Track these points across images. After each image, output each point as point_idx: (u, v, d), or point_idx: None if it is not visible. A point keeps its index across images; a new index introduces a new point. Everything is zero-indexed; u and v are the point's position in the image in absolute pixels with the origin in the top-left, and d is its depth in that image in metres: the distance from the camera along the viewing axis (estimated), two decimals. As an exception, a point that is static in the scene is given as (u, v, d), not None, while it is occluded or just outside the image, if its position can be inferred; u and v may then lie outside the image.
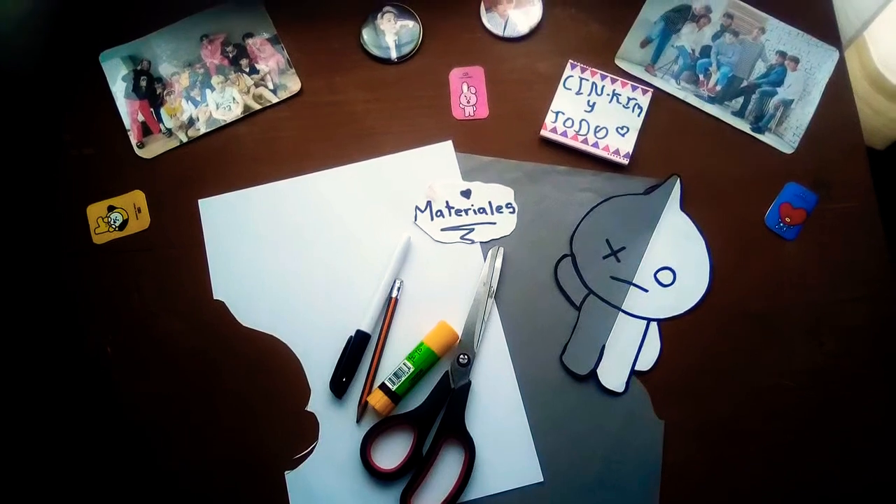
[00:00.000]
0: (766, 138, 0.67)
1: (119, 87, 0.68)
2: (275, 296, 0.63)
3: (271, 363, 0.62)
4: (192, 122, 0.67)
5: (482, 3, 0.69)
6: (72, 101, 0.68)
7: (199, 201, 0.65)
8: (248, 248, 0.64)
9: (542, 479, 0.59)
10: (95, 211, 0.65)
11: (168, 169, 0.66)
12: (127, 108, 0.68)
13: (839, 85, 0.68)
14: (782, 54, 0.68)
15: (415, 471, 0.59)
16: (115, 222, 0.65)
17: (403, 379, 0.59)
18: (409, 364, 0.60)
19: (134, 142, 0.67)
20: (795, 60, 0.68)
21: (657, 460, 0.60)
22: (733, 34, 0.69)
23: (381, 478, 0.59)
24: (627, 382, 0.61)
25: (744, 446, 0.61)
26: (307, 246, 0.64)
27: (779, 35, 0.69)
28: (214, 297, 0.63)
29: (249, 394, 0.61)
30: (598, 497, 0.59)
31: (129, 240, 0.65)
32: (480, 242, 0.64)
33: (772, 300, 0.63)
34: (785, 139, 0.67)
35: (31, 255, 0.65)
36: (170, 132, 0.67)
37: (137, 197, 0.65)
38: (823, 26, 0.69)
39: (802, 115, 0.67)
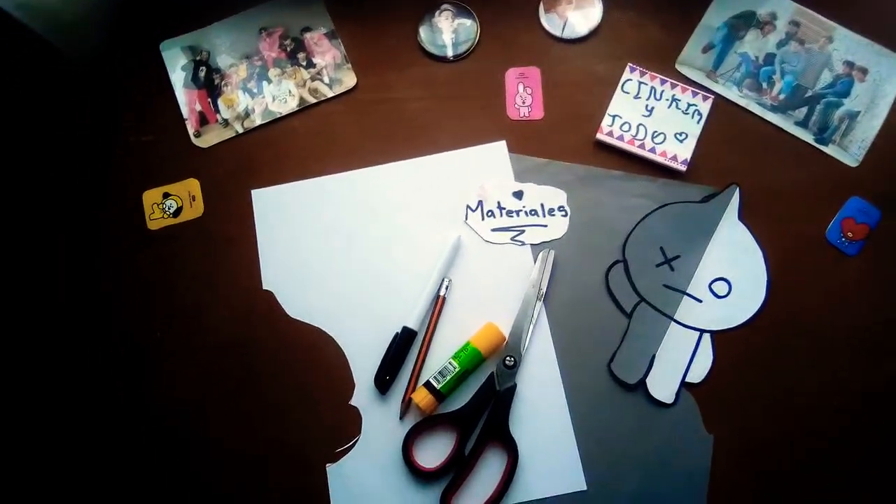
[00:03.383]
0: (830, 150, 0.65)
1: (178, 77, 0.69)
2: (323, 289, 0.63)
3: (317, 355, 0.62)
4: (247, 113, 0.68)
5: (541, 4, 0.69)
6: (132, 89, 0.69)
7: (252, 192, 0.66)
8: (298, 240, 0.64)
9: (585, 487, 0.58)
10: (151, 197, 0.66)
11: (223, 158, 0.67)
12: (185, 98, 0.68)
13: (909, 98, 0.65)
14: (850, 64, 0.66)
15: (456, 471, 0.58)
16: (169, 209, 0.66)
17: (448, 378, 0.59)
18: (455, 363, 0.59)
19: (191, 131, 0.68)
20: (863, 71, 0.66)
21: (704, 476, 0.58)
22: (799, 42, 0.67)
23: (421, 476, 0.59)
24: (677, 394, 0.60)
25: (795, 467, 0.59)
26: (357, 240, 0.64)
27: (847, 44, 0.66)
28: (264, 287, 0.63)
29: (294, 385, 0.61)
30: (641, 509, 0.58)
31: (182, 227, 0.65)
32: (531, 244, 0.63)
33: (830, 317, 0.61)
34: (849, 152, 0.65)
35: (86, 237, 0.66)
36: (226, 122, 0.68)
37: (192, 185, 0.66)
38: (895, 36, 0.66)
39: (869, 128, 0.65)
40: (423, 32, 0.69)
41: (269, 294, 0.63)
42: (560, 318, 0.62)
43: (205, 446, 0.61)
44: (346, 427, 0.60)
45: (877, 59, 0.66)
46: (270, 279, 0.64)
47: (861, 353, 0.61)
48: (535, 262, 0.63)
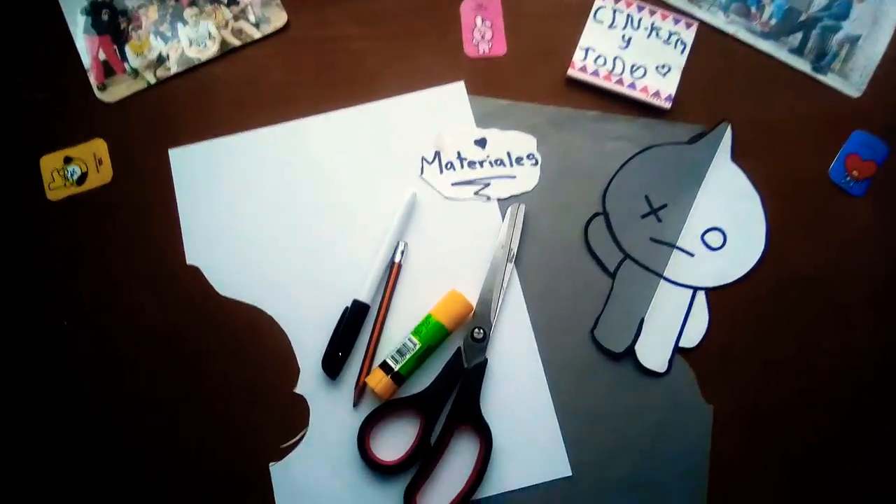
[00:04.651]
0: (830, 80, 0.59)
1: (77, 22, 0.61)
2: (258, 261, 0.56)
3: (254, 338, 0.55)
4: (161, 60, 0.60)
5: (498, -76, 0.61)
6: (24, 38, 0.61)
7: (170, 151, 0.58)
8: (226, 206, 0.58)
9: (570, 473, 0.53)
10: (50, 163, 0.58)
11: (134, 114, 0.59)
12: (86, 46, 0.60)
13: (914, 18, 0.59)
14: (847, -18, 0.60)
15: (421, 463, 0.52)
16: (72, 176, 0.58)
17: (408, 357, 0.53)
18: (415, 339, 0.53)
19: (94, 83, 0.60)
20: (863, -10, 0.59)
21: (704, 451, 0.53)
22: (790, -41, 0.60)
23: (381, 471, 0.53)
24: (670, 361, 0.54)
25: (805, 438, 0.53)
26: (296, 203, 0.58)
27: (844, -40, 0.60)
28: (188, 263, 0.56)
29: (229, 374, 0.55)
30: (635, 494, 0.53)
31: (88, 196, 0.58)
32: (498, 199, 0.57)
33: (837, 266, 0.56)
34: (851, 81, 0.59)
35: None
36: (136, 72, 0.60)
37: (98, 146, 0.58)
38: (896, -51, 0.60)
39: (871, 54, 0.59)
40: (365, -38, 0.60)
41: (195, 270, 0.56)
42: (535, 281, 0.55)
43: (127, 448, 0.54)
44: (292, 419, 0.54)
45: (877, -25, 0.59)
46: (195, 253, 0.57)
47: (874, 307, 0.55)
48: (503, 218, 0.56)
